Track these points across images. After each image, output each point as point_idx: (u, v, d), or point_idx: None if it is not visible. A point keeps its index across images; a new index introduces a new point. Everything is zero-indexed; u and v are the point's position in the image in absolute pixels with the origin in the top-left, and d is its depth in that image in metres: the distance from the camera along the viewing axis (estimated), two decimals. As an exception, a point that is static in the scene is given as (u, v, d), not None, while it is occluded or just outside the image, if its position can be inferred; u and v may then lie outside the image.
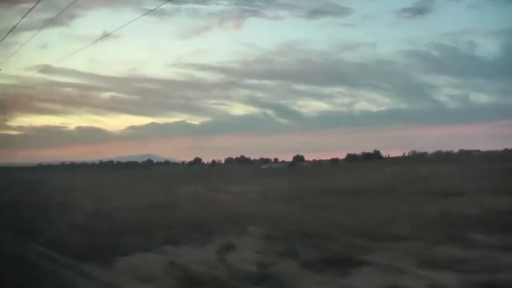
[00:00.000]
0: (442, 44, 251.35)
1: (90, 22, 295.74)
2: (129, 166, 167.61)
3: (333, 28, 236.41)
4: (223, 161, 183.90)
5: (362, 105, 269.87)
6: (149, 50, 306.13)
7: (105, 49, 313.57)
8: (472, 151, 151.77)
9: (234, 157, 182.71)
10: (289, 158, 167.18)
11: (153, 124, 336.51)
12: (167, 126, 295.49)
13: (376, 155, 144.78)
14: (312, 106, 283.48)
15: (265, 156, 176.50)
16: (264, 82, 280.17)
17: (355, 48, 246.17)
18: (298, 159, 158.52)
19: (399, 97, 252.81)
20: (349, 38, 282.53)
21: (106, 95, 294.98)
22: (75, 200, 32.58)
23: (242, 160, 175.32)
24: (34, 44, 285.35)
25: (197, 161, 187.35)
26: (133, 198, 33.20)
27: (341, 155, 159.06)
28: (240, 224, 17.58)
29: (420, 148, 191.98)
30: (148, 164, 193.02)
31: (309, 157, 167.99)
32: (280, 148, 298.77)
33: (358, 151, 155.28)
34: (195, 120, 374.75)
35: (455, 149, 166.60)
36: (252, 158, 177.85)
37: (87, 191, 40.13)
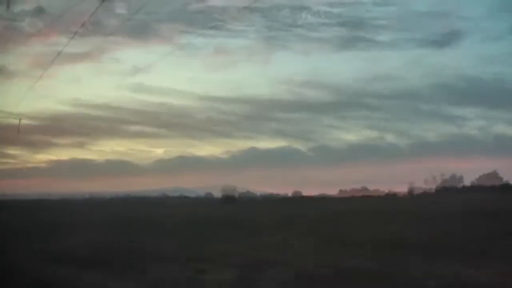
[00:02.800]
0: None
1: (122, 57, 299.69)
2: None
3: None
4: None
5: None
6: (177, 82, 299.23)
7: (135, 82, 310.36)
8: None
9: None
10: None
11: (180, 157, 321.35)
12: (195, 158, 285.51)
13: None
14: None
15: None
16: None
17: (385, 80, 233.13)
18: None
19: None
20: (379, 69, 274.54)
21: (135, 128, 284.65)
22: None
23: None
24: (66, 78, 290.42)
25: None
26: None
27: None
28: None
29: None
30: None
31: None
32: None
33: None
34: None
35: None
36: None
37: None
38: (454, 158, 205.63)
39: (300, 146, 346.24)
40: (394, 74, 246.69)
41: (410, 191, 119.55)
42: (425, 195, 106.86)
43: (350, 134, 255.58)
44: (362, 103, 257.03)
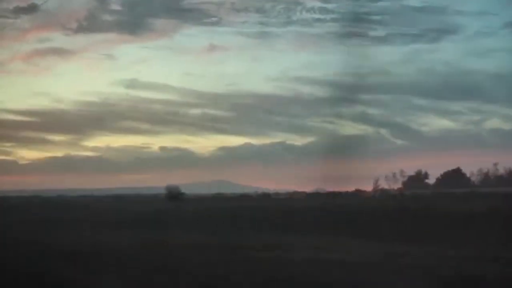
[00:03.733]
0: None
1: (117, 53, 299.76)
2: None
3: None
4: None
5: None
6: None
7: (130, 78, 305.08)
8: None
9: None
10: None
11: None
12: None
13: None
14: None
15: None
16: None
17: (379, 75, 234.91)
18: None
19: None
20: (373, 64, 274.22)
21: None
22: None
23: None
24: (60, 75, 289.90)
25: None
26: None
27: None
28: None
29: None
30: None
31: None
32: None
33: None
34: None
35: None
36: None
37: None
38: (451, 152, 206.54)
39: (295, 141, 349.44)
40: (389, 69, 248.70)
41: (375, 189, 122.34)
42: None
43: (346, 129, 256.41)
44: (356, 98, 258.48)
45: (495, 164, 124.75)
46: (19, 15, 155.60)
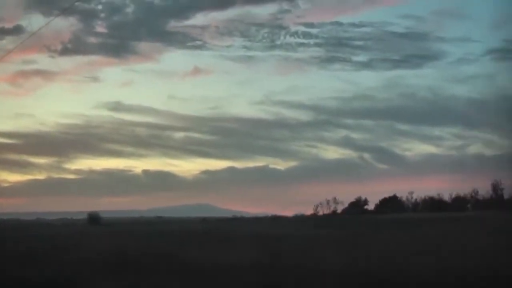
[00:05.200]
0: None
1: (101, 75, 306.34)
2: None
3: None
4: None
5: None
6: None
7: (114, 101, 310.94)
8: None
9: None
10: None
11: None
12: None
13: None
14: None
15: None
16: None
17: (362, 99, 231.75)
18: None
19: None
20: (356, 89, 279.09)
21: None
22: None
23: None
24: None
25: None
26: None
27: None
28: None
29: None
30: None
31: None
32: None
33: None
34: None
35: None
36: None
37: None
38: (433, 177, 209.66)
39: (278, 165, 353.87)
40: (371, 94, 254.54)
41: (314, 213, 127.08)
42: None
43: (329, 153, 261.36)
44: (340, 123, 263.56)
45: (410, 193, 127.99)
46: (4, 36, 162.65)
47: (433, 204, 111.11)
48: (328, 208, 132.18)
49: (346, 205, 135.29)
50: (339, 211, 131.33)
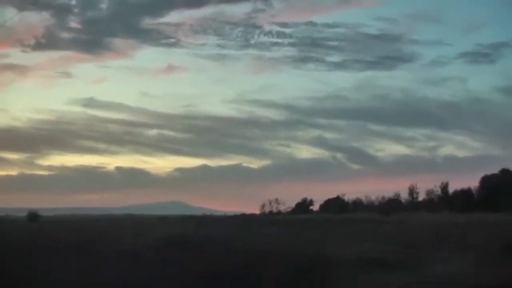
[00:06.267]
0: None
1: (74, 71, 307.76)
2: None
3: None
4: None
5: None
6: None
7: (87, 97, 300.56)
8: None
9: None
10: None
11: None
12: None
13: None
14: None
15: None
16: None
17: (335, 99, 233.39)
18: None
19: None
20: (329, 89, 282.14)
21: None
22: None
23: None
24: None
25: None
26: None
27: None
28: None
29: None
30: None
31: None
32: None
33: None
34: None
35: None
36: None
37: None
38: (404, 177, 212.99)
39: (251, 164, 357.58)
40: (344, 94, 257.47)
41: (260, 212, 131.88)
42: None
43: (301, 152, 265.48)
44: (313, 122, 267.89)
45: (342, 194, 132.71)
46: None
47: (361, 205, 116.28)
48: (270, 207, 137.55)
49: (292, 205, 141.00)
50: (284, 211, 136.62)
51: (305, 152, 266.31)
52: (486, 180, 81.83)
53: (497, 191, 74.27)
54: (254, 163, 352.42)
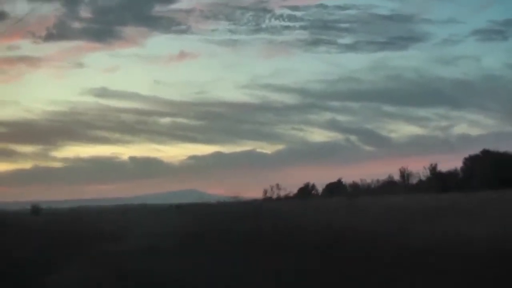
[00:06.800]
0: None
1: (86, 61, 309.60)
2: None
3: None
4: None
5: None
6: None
7: (100, 87, 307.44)
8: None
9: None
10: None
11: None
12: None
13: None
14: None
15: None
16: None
17: (348, 81, 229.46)
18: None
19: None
20: (342, 71, 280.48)
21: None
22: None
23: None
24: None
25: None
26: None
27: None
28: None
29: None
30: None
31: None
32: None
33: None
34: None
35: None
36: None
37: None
38: (419, 157, 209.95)
39: (264, 149, 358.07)
40: (357, 76, 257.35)
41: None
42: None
43: (315, 136, 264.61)
44: (326, 105, 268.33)
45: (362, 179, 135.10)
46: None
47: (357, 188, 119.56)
48: (271, 193, 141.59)
49: (295, 190, 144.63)
50: (290, 195, 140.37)
51: (318, 135, 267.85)
52: (469, 160, 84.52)
53: (476, 172, 77.01)
54: (267, 148, 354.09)
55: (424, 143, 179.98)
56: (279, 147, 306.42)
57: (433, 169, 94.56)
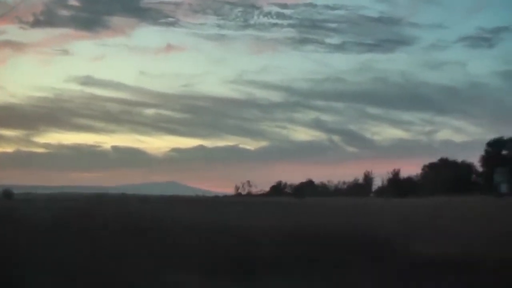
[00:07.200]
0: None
1: (72, 48, 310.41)
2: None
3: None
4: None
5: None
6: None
7: (85, 75, 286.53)
8: None
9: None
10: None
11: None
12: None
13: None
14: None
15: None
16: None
17: (334, 82, 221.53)
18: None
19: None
20: (328, 71, 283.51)
21: (83, 121, 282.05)
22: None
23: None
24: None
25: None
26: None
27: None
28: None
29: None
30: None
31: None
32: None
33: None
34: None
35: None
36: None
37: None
38: (400, 160, 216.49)
39: (248, 145, 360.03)
40: (343, 77, 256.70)
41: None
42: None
43: (298, 134, 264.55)
44: (311, 104, 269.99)
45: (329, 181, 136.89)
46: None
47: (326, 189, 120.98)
48: (243, 189, 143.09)
49: (267, 188, 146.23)
50: (262, 192, 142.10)
51: (302, 134, 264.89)
52: (427, 167, 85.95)
53: (432, 178, 78.34)
54: (250, 144, 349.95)
55: (407, 146, 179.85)
56: (263, 143, 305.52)
57: (395, 174, 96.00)
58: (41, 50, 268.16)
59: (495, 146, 78.47)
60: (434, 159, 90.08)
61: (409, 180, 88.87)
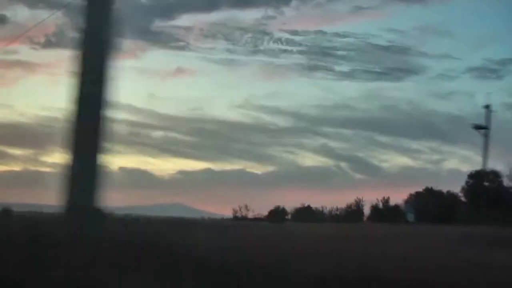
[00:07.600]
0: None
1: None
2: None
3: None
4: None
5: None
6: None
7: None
8: None
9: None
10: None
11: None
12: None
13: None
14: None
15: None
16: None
17: (342, 109, 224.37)
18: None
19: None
20: (337, 98, 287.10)
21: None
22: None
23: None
24: (25, 88, 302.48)
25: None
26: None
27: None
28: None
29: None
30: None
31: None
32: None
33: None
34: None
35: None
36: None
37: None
38: (407, 188, 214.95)
39: (255, 169, 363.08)
40: (351, 104, 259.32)
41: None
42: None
43: (306, 160, 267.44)
44: (319, 131, 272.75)
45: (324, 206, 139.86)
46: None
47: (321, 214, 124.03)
48: (240, 213, 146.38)
49: (265, 212, 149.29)
50: (252, 217, 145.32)
51: (309, 160, 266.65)
52: (413, 196, 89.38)
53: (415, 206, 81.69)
54: (257, 169, 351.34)
55: (414, 174, 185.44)
56: (270, 168, 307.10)
57: (385, 201, 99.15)
58: (51, 71, 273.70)
59: (476, 178, 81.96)
60: (441, 188, 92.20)
61: (395, 207, 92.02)
